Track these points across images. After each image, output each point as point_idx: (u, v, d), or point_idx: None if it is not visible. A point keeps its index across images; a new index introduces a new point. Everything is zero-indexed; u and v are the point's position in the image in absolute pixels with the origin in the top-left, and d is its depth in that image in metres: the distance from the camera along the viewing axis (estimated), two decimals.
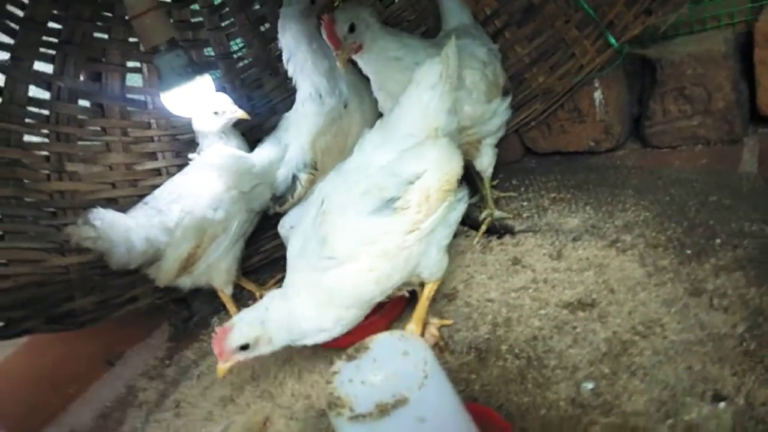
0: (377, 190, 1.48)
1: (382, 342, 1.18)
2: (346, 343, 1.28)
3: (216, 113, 2.09)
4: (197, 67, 1.93)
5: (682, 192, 1.94)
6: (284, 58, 2.17)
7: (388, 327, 1.84)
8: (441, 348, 1.68)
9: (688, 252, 1.68)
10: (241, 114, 2.11)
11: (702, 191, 1.91)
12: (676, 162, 2.14)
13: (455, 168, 1.55)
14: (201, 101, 1.95)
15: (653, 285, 1.61)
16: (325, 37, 1.75)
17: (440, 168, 1.52)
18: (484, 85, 1.93)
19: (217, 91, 2.07)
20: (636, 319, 1.53)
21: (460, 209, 1.64)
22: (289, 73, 2.19)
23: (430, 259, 1.58)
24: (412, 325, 1.67)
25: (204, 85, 1.93)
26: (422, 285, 1.68)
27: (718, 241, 1.68)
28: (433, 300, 1.89)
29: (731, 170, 1.97)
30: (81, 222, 1.78)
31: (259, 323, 1.51)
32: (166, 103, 1.94)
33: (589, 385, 1.39)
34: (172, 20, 2.26)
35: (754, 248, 1.61)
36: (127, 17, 1.90)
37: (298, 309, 1.51)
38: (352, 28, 1.74)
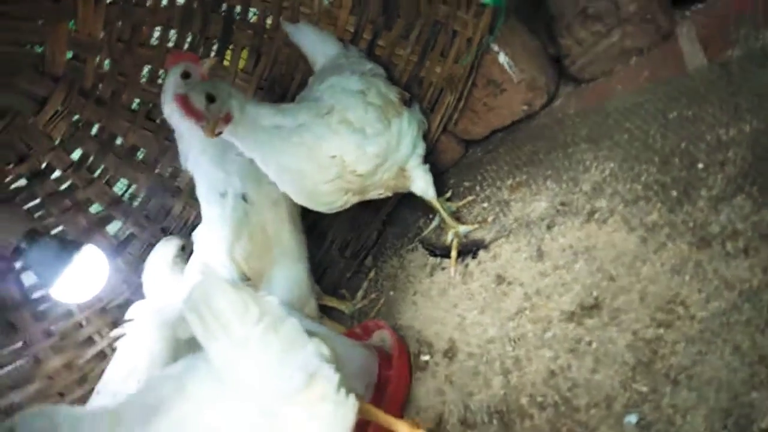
0: None
1: None
2: None
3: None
4: (71, 244, 1.69)
5: (637, 121, 1.66)
6: (180, 150, 1.89)
7: None
8: None
9: (674, 193, 1.40)
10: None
11: (658, 111, 1.62)
12: (618, 87, 1.85)
13: None
14: (92, 277, 1.71)
15: (652, 252, 1.33)
16: (183, 116, 1.47)
17: None
18: (374, 114, 1.68)
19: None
20: (652, 306, 1.24)
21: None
22: (189, 170, 1.91)
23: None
24: None
25: (88, 258, 1.69)
26: None
27: (700, 166, 1.39)
28: (435, 364, 1.65)
29: (679, 72, 1.67)
30: None
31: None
32: (59, 297, 1.70)
33: (633, 419, 1.11)
34: (38, 198, 2.02)
35: (743, 157, 1.33)
36: None
37: None
38: (211, 98, 1.45)
